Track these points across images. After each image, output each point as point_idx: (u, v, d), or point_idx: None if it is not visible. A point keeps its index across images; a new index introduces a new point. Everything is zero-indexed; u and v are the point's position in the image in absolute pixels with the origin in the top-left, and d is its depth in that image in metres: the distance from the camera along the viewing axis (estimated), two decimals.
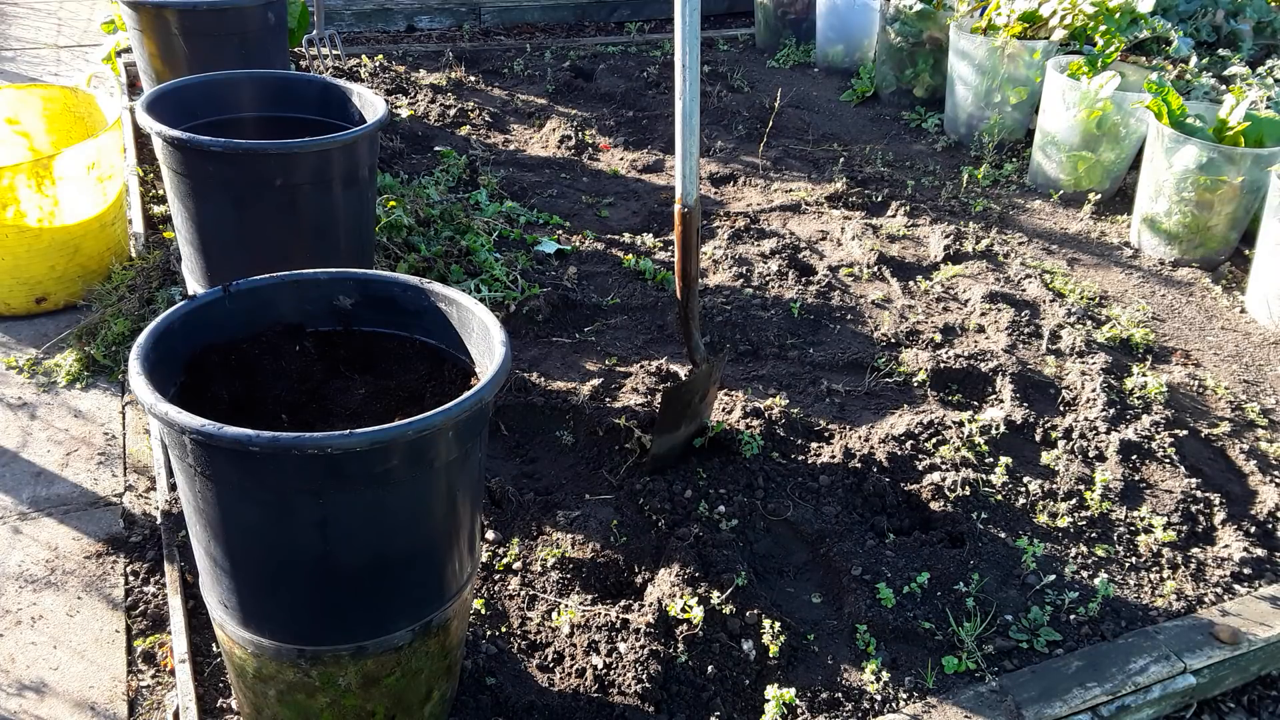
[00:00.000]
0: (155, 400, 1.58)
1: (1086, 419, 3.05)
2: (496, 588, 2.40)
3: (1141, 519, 2.74)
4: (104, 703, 2.15)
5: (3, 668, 2.21)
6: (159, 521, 2.53)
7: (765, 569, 2.51)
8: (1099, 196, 4.53)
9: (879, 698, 2.20)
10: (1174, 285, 4.03)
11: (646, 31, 6.78)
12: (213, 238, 2.64)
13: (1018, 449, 2.97)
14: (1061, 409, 3.16)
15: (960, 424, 2.99)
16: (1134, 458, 2.94)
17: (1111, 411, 3.08)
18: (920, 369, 3.25)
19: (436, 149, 4.58)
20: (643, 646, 2.19)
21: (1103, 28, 4.55)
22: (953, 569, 2.50)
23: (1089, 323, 3.61)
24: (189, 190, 2.57)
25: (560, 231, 4.02)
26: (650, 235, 4.02)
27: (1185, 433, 3.06)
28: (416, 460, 1.63)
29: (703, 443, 2.81)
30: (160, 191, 4.09)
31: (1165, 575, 2.59)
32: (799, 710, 2.15)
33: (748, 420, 2.91)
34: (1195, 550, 2.68)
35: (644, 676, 2.14)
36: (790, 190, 4.53)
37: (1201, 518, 2.77)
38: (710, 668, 2.19)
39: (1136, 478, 2.89)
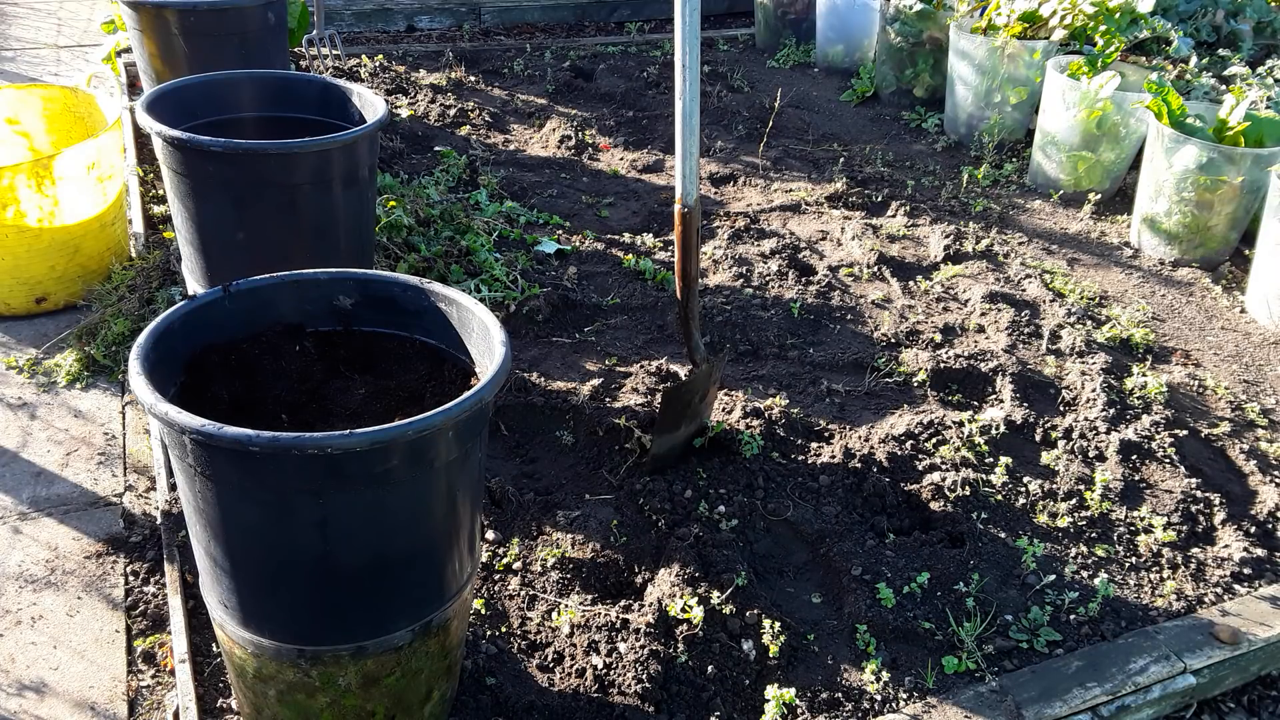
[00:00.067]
0: (155, 400, 1.58)
1: (1086, 419, 3.05)
2: (496, 588, 2.40)
3: (1141, 519, 2.74)
4: (104, 703, 2.15)
5: (3, 668, 2.21)
6: (159, 521, 2.53)
7: (765, 569, 2.51)
8: (1099, 196, 4.53)
9: (879, 698, 2.20)
10: (1174, 285, 4.03)
11: (646, 31, 6.78)
12: (213, 238, 2.64)
13: (1018, 449, 2.97)
14: (1061, 409, 3.16)
15: (960, 424, 2.99)
16: (1134, 458, 2.94)
17: (1111, 411, 3.08)
18: (920, 369, 3.25)
19: (436, 149, 4.58)
20: (643, 646, 2.19)
21: (1103, 28, 4.55)
22: (953, 569, 2.50)
23: (1089, 323, 3.61)
24: (189, 190, 2.57)
25: (560, 231, 4.02)
26: (650, 235, 4.02)
27: (1185, 433, 3.06)
28: (416, 460, 1.63)
29: (703, 443, 2.81)
30: (160, 191, 4.09)
31: (1165, 575, 2.59)
32: (799, 710, 2.15)
33: (748, 420, 2.91)
34: (1195, 550, 2.68)
35: (644, 676, 2.14)
36: (790, 190, 4.54)
37: (1201, 518, 2.77)
38: (710, 668, 2.19)
39: (1136, 478, 2.89)
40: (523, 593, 2.38)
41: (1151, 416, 3.08)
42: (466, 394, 1.65)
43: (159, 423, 1.59)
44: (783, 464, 2.80)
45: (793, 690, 2.16)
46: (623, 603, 2.35)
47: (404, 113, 4.98)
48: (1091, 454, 2.95)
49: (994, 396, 3.19)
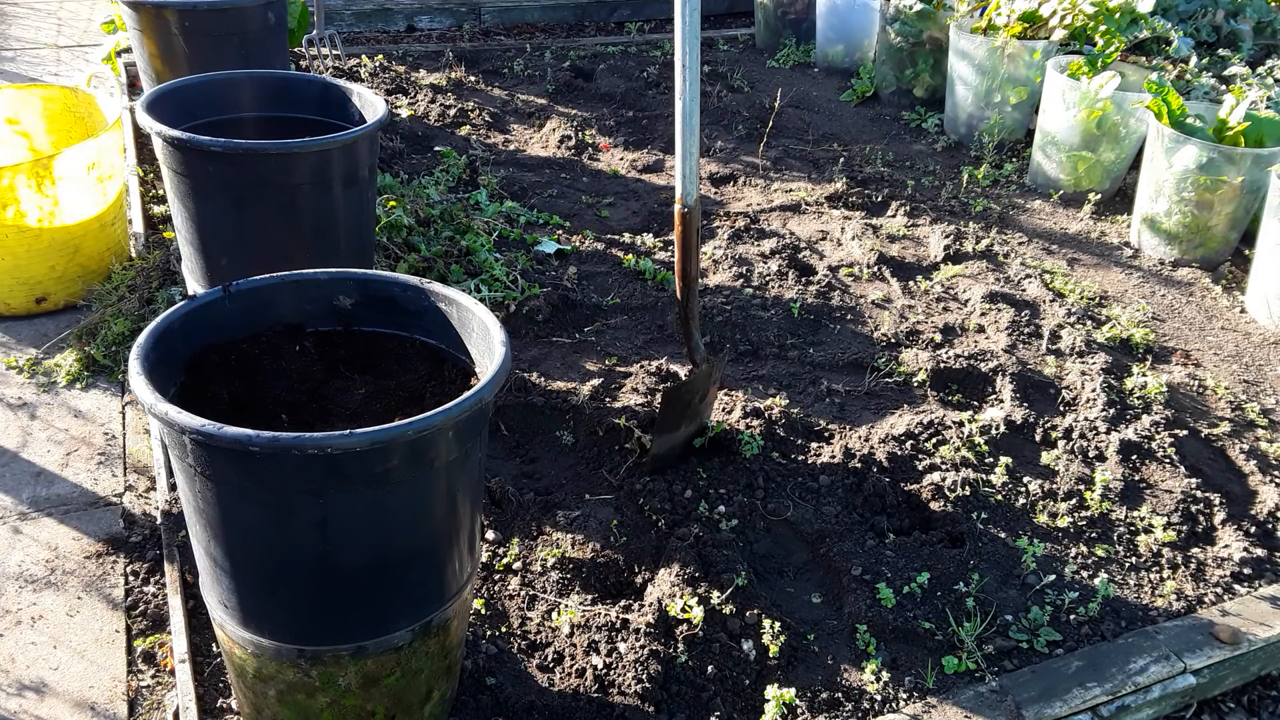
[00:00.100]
0: (155, 400, 1.58)
1: (1086, 419, 3.05)
2: (496, 588, 2.40)
3: (1141, 519, 2.74)
4: (104, 703, 2.15)
5: (3, 668, 2.21)
6: (159, 521, 2.53)
7: (765, 569, 2.51)
8: (1099, 196, 4.54)
9: (879, 698, 2.20)
10: (1174, 285, 4.03)
11: (646, 31, 6.78)
12: (213, 238, 2.64)
13: (1018, 449, 2.97)
14: (1061, 409, 3.16)
15: (960, 424, 2.99)
16: (1134, 458, 2.94)
17: (1111, 411, 3.08)
18: (920, 369, 3.25)
19: (436, 149, 4.58)
20: (643, 646, 2.19)
21: (1103, 28, 4.55)
22: (953, 569, 2.50)
23: (1089, 323, 3.61)
24: (189, 190, 2.57)
25: (560, 231, 4.02)
26: (650, 235, 4.02)
27: (1185, 433, 3.06)
28: (416, 460, 1.63)
29: (703, 443, 2.81)
30: (160, 191, 4.09)
31: (1165, 575, 2.59)
32: (799, 710, 2.15)
33: (748, 420, 2.91)
34: (1195, 550, 2.68)
35: (644, 676, 2.14)
36: (790, 190, 4.54)
37: (1201, 518, 2.77)
38: (710, 668, 2.19)
39: (1136, 478, 2.89)
40: (523, 593, 2.38)
41: (1151, 416, 3.08)
42: (466, 394, 1.65)
43: (159, 423, 1.59)
44: (783, 464, 2.80)
45: (793, 690, 2.16)
46: (623, 603, 2.35)
47: (404, 113, 4.98)
48: (1091, 454, 2.95)
49: (994, 396, 3.19)
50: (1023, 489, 2.80)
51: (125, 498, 2.69)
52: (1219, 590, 2.55)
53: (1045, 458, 2.93)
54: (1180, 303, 3.90)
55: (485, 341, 1.87)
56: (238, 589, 1.74)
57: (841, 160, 4.87)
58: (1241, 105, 3.97)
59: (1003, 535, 2.64)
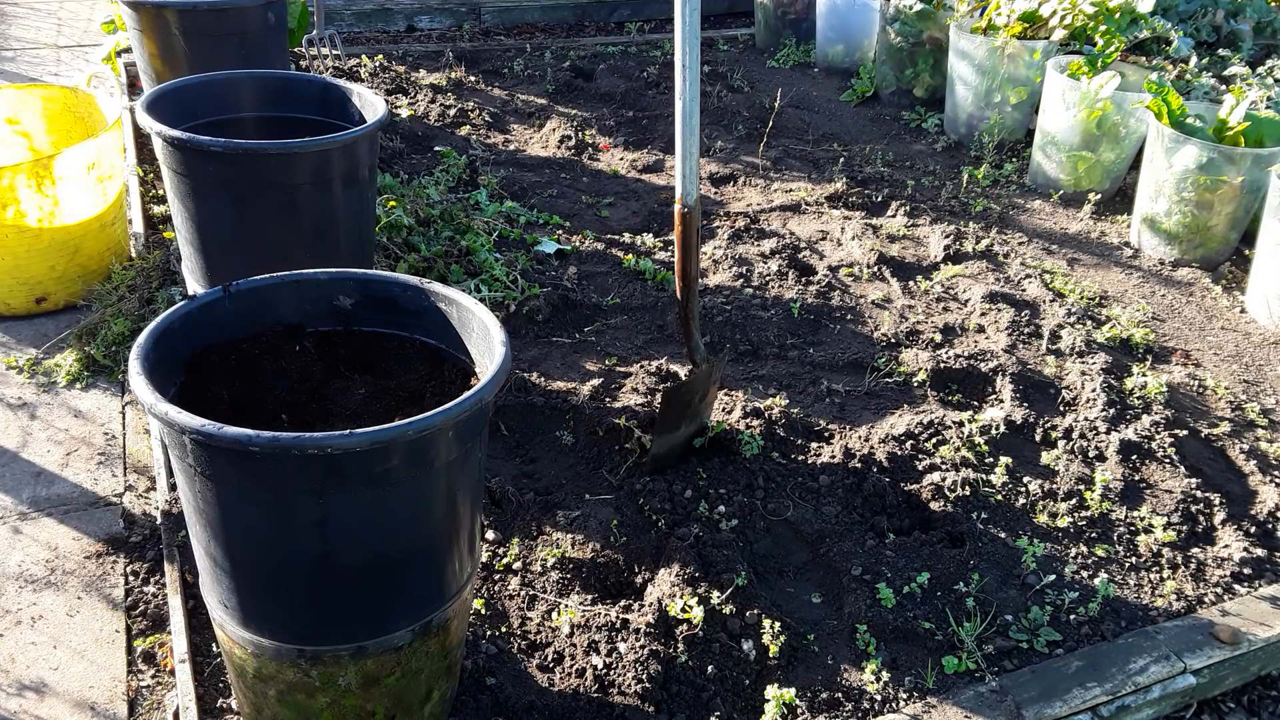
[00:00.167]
0: (155, 400, 1.58)
1: (1086, 419, 3.05)
2: (496, 588, 2.40)
3: (1141, 519, 2.74)
4: (104, 703, 2.15)
5: (3, 668, 2.21)
6: (159, 521, 2.53)
7: (765, 569, 2.51)
8: (1099, 196, 4.54)
9: (879, 698, 2.20)
10: (1174, 285, 4.03)
11: (646, 31, 6.78)
12: (213, 238, 2.64)
13: (1018, 449, 2.97)
14: (1061, 409, 3.16)
15: (960, 424, 2.99)
16: (1134, 458, 2.94)
17: (1111, 411, 3.08)
18: (920, 369, 3.25)
19: (436, 149, 4.58)
20: (643, 646, 2.19)
21: (1103, 28, 4.55)
22: (953, 569, 2.50)
23: (1089, 323, 3.61)
24: (189, 190, 2.57)
25: (560, 231, 4.02)
26: (650, 235, 4.02)
27: (1185, 433, 3.06)
28: (416, 460, 1.63)
29: (703, 443, 2.81)
30: (160, 191, 4.09)
31: (1165, 575, 2.59)
32: (799, 710, 2.15)
33: (748, 420, 2.91)
34: (1195, 550, 2.68)
35: (644, 676, 2.14)
36: (790, 190, 4.54)
37: (1201, 518, 2.77)
38: (710, 668, 2.19)
39: (1136, 478, 2.89)
40: (523, 593, 2.38)
41: (1151, 416, 3.08)
42: (466, 394, 1.65)
43: (159, 423, 1.59)
44: (783, 464, 2.80)
45: (793, 690, 2.16)
46: (623, 603, 2.35)
47: (404, 113, 4.98)
48: (1091, 454, 2.95)
49: (994, 396, 3.19)
50: (1023, 489, 2.80)
51: (125, 498, 2.69)
52: (1219, 590, 2.55)
53: (1045, 458, 2.93)
54: (1180, 303, 3.90)
55: (485, 341, 1.87)
56: (238, 589, 1.74)
57: (841, 160, 4.87)
58: (1241, 105, 3.97)
59: (1003, 535, 2.64)
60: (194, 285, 2.79)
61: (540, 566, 2.44)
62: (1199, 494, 2.81)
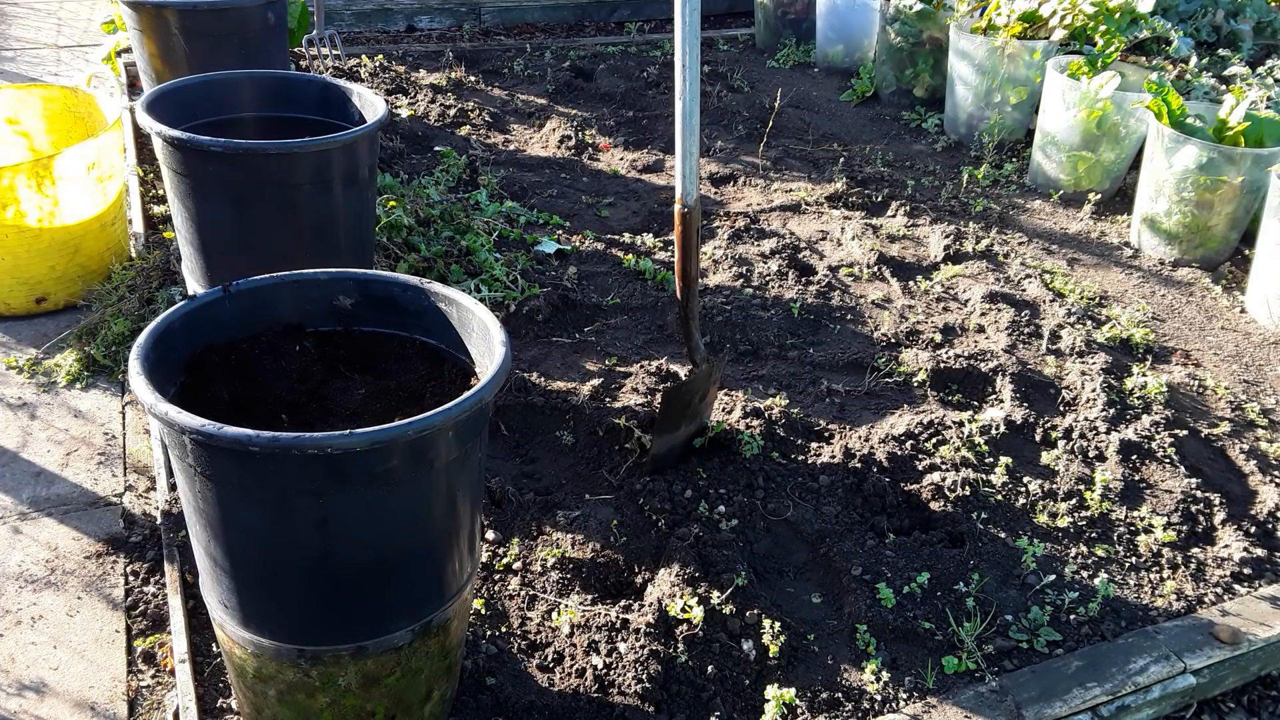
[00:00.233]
0: (155, 400, 1.58)
1: (1086, 419, 3.05)
2: (496, 588, 2.40)
3: (1141, 519, 2.74)
4: (104, 703, 2.15)
5: (3, 668, 2.21)
6: (159, 521, 2.53)
7: (765, 569, 2.51)
8: (1099, 196, 4.54)
9: (879, 698, 2.20)
10: (1174, 285, 4.03)
11: (646, 31, 6.78)
12: (213, 238, 2.64)
13: (1018, 449, 2.97)
14: (1061, 409, 3.16)
15: (960, 424, 2.99)
16: (1134, 458, 2.94)
17: (1111, 411, 3.08)
18: (920, 369, 3.25)
19: (436, 149, 4.58)
20: (643, 646, 2.19)
21: (1103, 28, 4.55)
22: (953, 569, 2.50)
23: (1089, 323, 3.61)
24: (189, 190, 2.57)
25: (560, 231, 4.02)
26: (650, 235, 4.02)
27: (1185, 433, 3.06)
28: (416, 460, 1.63)
29: (703, 443, 2.81)
30: (160, 191, 4.09)
31: (1165, 575, 2.59)
32: (799, 710, 2.15)
33: (748, 420, 2.91)
34: (1195, 550, 2.68)
35: (644, 676, 2.14)
36: (790, 190, 4.54)
37: (1201, 518, 2.77)
38: (710, 668, 2.19)
39: (1136, 478, 2.89)
40: (523, 593, 2.38)
41: (1151, 416, 3.08)
42: (466, 394, 1.65)
43: (159, 423, 1.59)
44: (783, 464, 2.80)
45: (793, 690, 2.16)
46: (623, 603, 2.35)
47: (404, 113, 4.98)
48: (1091, 454, 2.95)
49: (994, 396, 3.19)
50: (1023, 489, 2.80)
51: (125, 498, 2.69)
52: (1219, 590, 2.55)
53: (1045, 458, 2.93)
54: (1180, 303, 3.90)
55: (485, 341, 1.87)
56: (238, 589, 1.74)
57: (841, 160, 4.87)
58: (1241, 105, 3.97)
59: (1003, 535, 2.64)
60: (194, 285, 2.79)
61: (540, 566, 2.44)
62: (1199, 494, 2.81)
